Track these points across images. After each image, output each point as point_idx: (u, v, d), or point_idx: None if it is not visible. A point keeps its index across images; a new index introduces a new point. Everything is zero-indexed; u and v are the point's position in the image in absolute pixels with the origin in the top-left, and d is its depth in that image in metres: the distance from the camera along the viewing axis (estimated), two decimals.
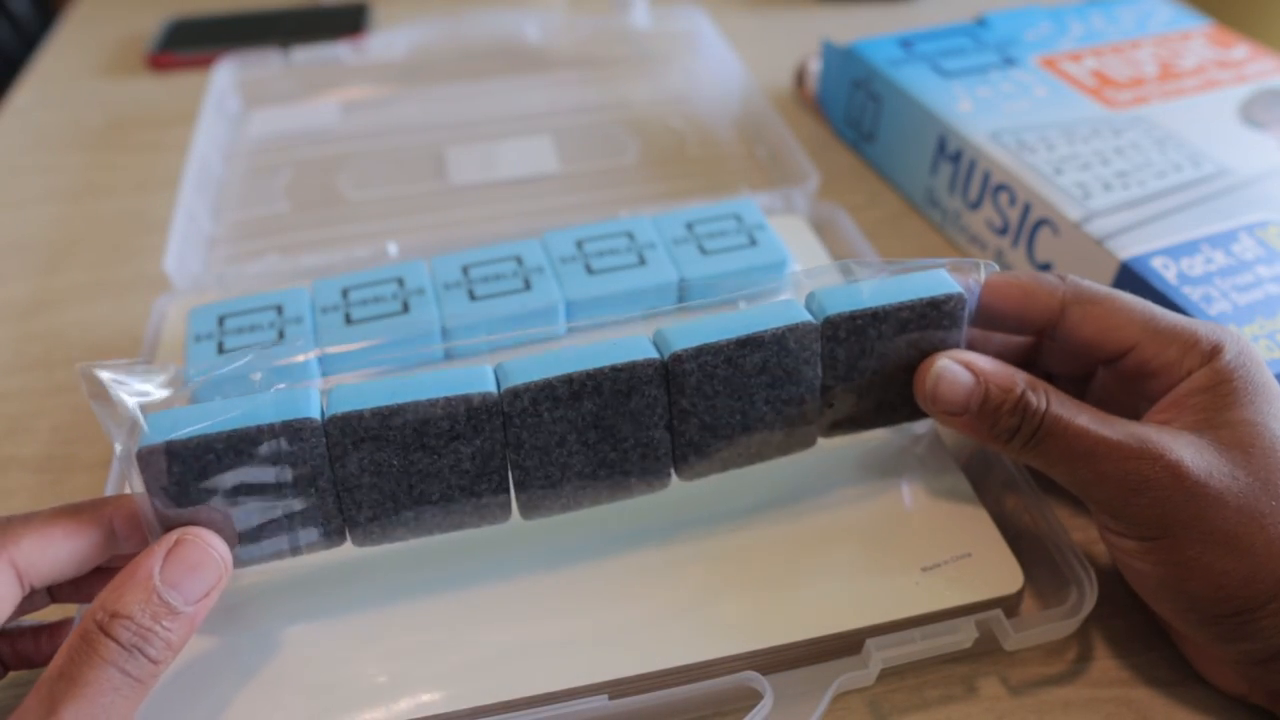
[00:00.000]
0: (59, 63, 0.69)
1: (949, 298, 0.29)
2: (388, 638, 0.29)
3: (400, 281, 0.39)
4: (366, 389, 0.27)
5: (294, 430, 0.26)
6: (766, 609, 0.29)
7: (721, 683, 0.27)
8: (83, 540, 0.25)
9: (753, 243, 0.41)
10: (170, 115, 0.61)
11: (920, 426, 0.34)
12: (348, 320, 0.37)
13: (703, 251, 0.40)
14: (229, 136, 0.57)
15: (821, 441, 0.34)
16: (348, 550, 0.31)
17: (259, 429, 0.25)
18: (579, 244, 0.41)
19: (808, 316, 0.29)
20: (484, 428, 0.27)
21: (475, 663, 0.28)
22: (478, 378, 0.27)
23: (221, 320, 0.37)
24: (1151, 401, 0.29)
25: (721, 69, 0.61)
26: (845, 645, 0.29)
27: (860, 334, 0.29)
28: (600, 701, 0.27)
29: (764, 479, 0.33)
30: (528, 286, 0.38)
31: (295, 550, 0.28)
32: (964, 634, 0.28)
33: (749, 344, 0.28)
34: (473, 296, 0.38)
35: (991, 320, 0.31)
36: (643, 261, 0.40)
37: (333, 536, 0.28)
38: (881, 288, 0.29)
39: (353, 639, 0.29)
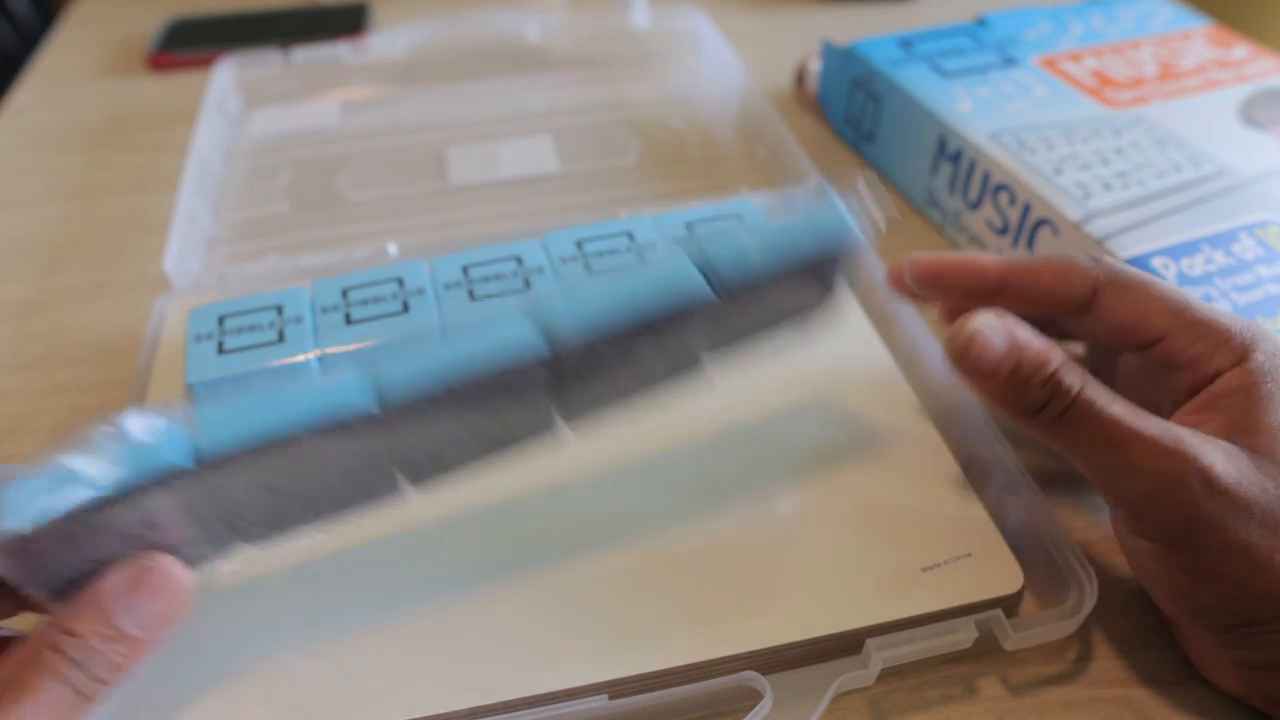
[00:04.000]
0: (59, 63, 0.69)
1: (840, 244, 0.28)
2: (386, 637, 0.29)
3: (400, 281, 0.39)
4: (230, 418, 0.24)
5: (158, 485, 0.23)
6: (766, 609, 0.29)
7: (721, 683, 0.27)
8: None
9: None
10: (170, 115, 0.61)
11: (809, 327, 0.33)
12: (348, 320, 0.37)
13: None
14: (229, 136, 0.57)
15: (821, 442, 0.34)
16: (340, 549, 0.31)
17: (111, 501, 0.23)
18: (579, 244, 0.41)
19: (701, 287, 0.28)
20: (362, 441, 0.26)
21: (475, 662, 0.28)
22: (354, 391, 0.25)
23: (221, 320, 0.37)
24: (1177, 396, 0.28)
25: (721, 69, 0.61)
26: (845, 645, 0.29)
27: (748, 293, 0.29)
28: (600, 701, 0.27)
29: (763, 479, 0.33)
30: (528, 286, 0.38)
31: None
32: (964, 634, 0.28)
33: (640, 329, 0.27)
34: (473, 296, 0.38)
35: (1023, 300, 0.30)
36: (643, 261, 0.40)
37: (227, 550, 0.27)
38: (772, 240, 0.28)
39: (352, 637, 0.29)
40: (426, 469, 0.28)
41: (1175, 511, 0.25)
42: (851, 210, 0.29)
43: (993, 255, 0.31)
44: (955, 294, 0.31)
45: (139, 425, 0.24)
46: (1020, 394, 0.27)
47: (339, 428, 0.25)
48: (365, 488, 0.28)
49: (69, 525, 0.22)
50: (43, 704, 0.22)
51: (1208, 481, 0.25)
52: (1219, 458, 0.25)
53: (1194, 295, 0.28)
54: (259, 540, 0.27)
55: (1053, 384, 0.26)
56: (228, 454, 0.24)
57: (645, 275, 0.27)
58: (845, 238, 0.29)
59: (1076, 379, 0.26)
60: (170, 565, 0.25)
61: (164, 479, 0.23)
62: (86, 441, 0.23)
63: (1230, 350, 0.27)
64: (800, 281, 0.30)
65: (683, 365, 0.30)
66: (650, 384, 0.30)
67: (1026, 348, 0.27)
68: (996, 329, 0.27)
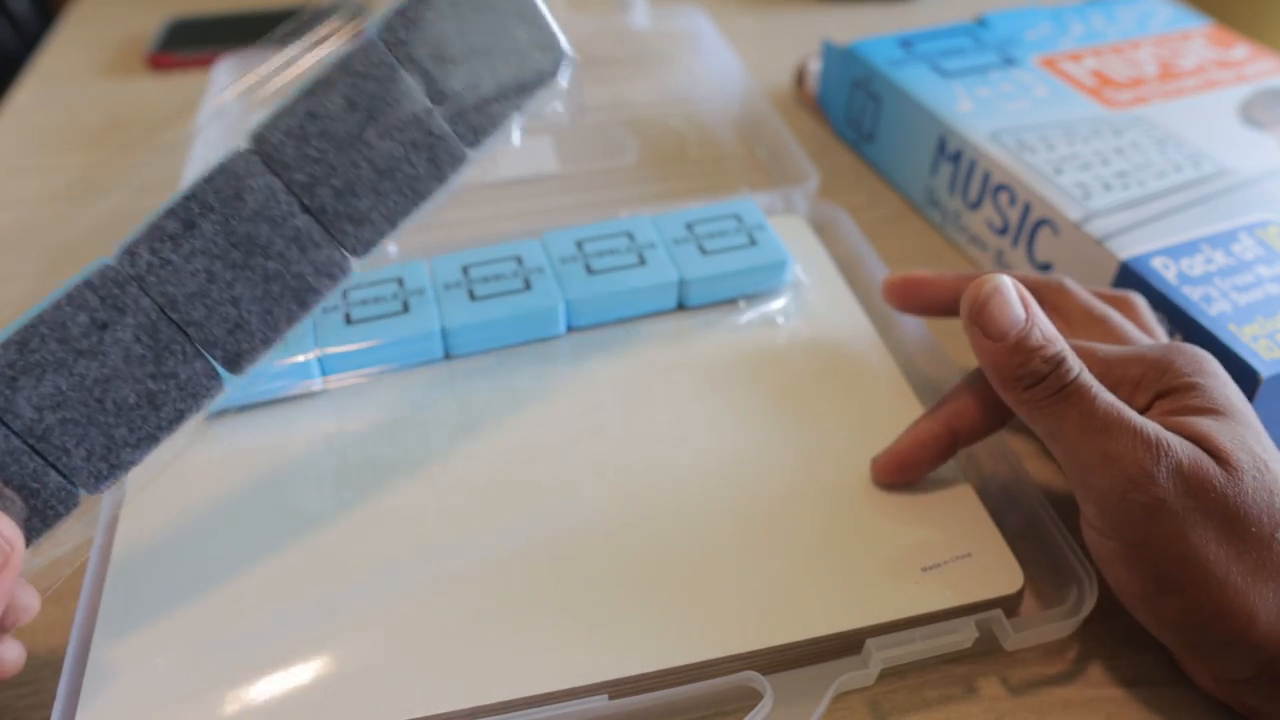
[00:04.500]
0: (59, 63, 0.69)
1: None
2: (386, 637, 0.29)
3: (400, 281, 0.39)
4: None
5: None
6: (766, 609, 0.29)
7: (721, 683, 0.27)
8: None
9: (753, 243, 0.41)
10: (170, 115, 0.61)
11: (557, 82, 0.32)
12: (348, 320, 0.37)
13: (703, 251, 0.40)
14: (229, 136, 0.57)
15: (822, 442, 0.34)
16: (342, 545, 0.31)
17: None
18: (579, 244, 0.41)
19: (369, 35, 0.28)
20: (125, 302, 0.26)
21: (475, 662, 0.28)
22: (89, 269, 0.26)
23: None
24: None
25: (721, 69, 0.61)
26: (845, 645, 0.29)
27: (423, 19, 0.29)
28: (600, 701, 0.27)
29: (763, 479, 0.33)
30: (528, 286, 0.38)
31: (34, 529, 0.26)
32: (964, 634, 0.28)
33: (318, 88, 0.28)
34: (473, 296, 0.38)
35: (923, 303, 0.35)
36: (643, 261, 0.40)
37: (61, 496, 0.26)
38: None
39: (352, 637, 0.29)
40: (230, 338, 0.27)
41: (1141, 506, 0.25)
42: None
43: (955, 271, 0.35)
44: (923, 305, 0.35)
45: None
46: (1022, 362, 0.27)
47: (82, 289, 0.25)
48: (168, 374, 0.26)
49: None
50: None
51: (1179, 477, 0.25)
52: (1192, 458, 0.25)
53: (1101, 347, 0.29)
54: (101, 475, 0.26)
55: (1056, 360, 0.27)
56: None
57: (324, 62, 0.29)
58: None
59: (1076, 363, 0.27)
60: None
61: None
62: None
63: (1148, 385, 0.28)
64: (501, 30, 0.30)
65: (425, 148, 0.30)
66: (406, 180, 0.29)
67: (1041, 320, 0.28)
68: (1016, 294, 0.28)
